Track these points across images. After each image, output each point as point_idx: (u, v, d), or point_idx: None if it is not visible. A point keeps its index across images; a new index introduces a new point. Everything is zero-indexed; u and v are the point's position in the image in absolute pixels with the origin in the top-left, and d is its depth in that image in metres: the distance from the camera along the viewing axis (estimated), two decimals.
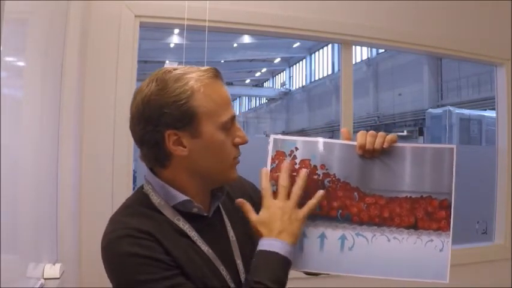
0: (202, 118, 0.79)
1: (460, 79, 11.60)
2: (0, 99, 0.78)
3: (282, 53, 17.72)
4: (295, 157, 0.88)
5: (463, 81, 11.53)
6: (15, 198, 1.03)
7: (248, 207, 0.85)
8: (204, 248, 0.82)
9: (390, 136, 0.88)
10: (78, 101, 1.69)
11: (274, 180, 0.86)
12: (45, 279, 1.24)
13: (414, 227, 0.86)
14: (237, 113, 20.32)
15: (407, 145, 0.89)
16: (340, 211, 0.87)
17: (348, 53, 2.35)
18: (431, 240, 0.86)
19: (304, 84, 18.71)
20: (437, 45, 2.43)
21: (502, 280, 2.43)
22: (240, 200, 0.86)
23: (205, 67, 0.83)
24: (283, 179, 0.85)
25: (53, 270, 1.27)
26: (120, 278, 0.75)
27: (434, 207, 0.86)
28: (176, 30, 9.08)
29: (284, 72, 20.55)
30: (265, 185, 0.85)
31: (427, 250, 0.85)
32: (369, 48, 12.98)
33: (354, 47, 2.41)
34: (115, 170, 1.83)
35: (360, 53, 14.40)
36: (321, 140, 0.90)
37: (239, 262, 0.86)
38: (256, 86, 22.03)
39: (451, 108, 10.41)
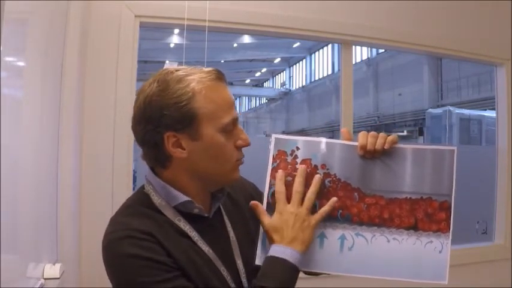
0: (203, 120, 0.79)
1: (460, 79, 11.60)
2: (0, 99, 0.78)
3: (282, 53, 17.69)
4: (296, 156, 0.88)
5: (463, 81, 11.52)
6: (15, 198, 1.03)
7: (261, 209, 0.85)
8: (205, 248, 0.82)
9: (391, 137, 0.88)
10: (78, 101, 1.69)
11: (274, 180, 0.86)
12: (45, 279, 1.24)
13: (414, 228, 0.86)
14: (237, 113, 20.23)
15: (408, 146, 0.89)
16: (340, 211, 0.87)
17: (348, 53, 2.35)
18: (431, 242, 0.86)
19: (304, 84, 18.69)
20: (437, 45, 2.43)
21: (502, 280, 2.43)
22: (254, 202, 0.86)
23: (209, 68, 0.83)
24: (298, 184, 0.84)
25: (53, 270, 1.27)
26: (121, 279, 0.75)
27: (434, 208, 0.86)
28: (176, 30, 9.06)
29: (284, 72, 20.52)
30: (280, 189, 0.85)
31: (426, 251, 0.85)
32: (369, 48, 12.98)
33: (354, 47, 2.41)
34: (115, 170, 1.83)
35: (360, 53, 14.39)
36: (322, 140, 0.90)
37: (239, 262, 0.86)
38: (256, 86, 21.99)
39: (451, 108, 10.41)
